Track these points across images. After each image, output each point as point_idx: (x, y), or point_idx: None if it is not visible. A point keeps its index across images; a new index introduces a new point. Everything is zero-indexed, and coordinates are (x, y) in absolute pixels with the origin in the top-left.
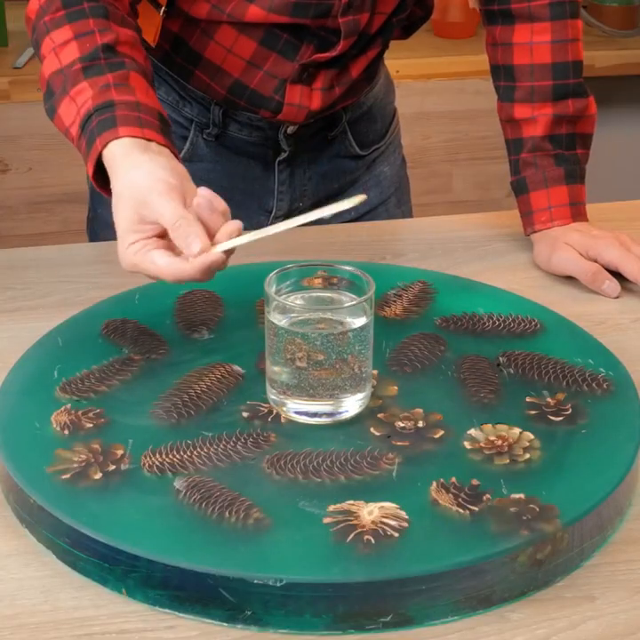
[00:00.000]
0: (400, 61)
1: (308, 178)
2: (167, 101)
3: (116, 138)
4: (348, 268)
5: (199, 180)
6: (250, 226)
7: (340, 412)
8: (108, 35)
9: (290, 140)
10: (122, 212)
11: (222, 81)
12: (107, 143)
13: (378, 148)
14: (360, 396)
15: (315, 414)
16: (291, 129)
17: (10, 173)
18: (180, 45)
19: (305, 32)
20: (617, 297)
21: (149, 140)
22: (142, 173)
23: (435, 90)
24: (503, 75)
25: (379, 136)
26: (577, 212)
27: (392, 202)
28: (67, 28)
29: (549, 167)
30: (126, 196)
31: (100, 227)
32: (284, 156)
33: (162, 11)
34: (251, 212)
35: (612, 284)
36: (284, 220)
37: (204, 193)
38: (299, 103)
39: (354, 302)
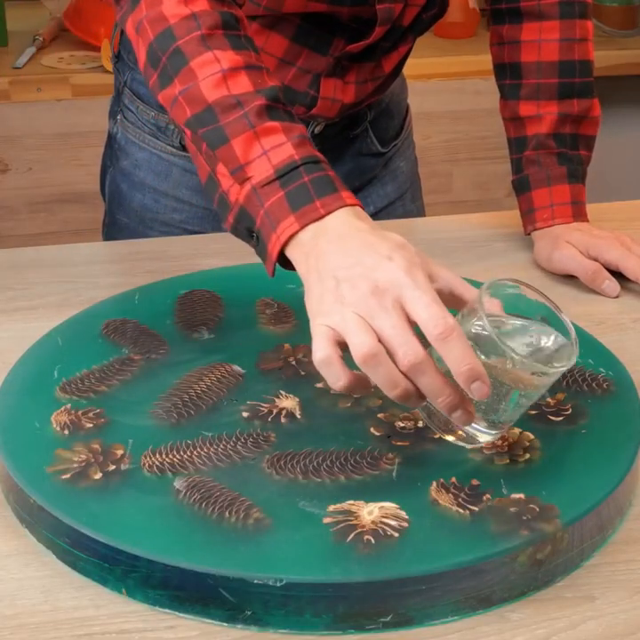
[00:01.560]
0: None
1: None
2: None
3: (344, 205)
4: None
5: None
6: None
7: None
8: (273, 77)
9: (315, 140)
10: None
11: None
12: (335, 209)
13: (396, 145)
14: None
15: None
16: (317, 129)
17: (10, 173)
18: None
19: (336, 25)
20: (617, 297)
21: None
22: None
23: (435, 90)
24: (509, 72)
25: (396, 132)
26: (578, 212)
27: (408, 197)
28: (231, 53)
29: (552, 165)
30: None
31: (118, 232)
32: None
33: None
34: None
35: (611, 284)
36: None
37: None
38: (333, 97)
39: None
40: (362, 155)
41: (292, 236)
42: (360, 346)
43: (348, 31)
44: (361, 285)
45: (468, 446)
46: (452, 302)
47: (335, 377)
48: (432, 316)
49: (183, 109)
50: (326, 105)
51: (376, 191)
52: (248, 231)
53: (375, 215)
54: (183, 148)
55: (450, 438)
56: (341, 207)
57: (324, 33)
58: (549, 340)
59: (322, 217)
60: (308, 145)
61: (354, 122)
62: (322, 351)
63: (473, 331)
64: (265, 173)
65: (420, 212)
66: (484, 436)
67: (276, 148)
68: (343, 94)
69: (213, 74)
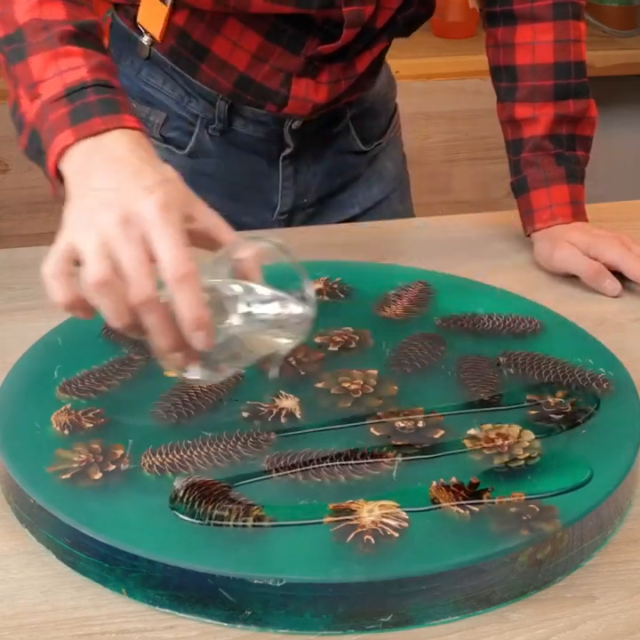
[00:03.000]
0: (400, 61)
1: (313, 174)
2: (172, 97)
3: (122, 127)
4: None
5: (204, 176)
6: (254, 222)
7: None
8: (93, 14)
9: (294, 136)
10: (174, 192)
11: (228, 75)
12: (114, 128)
13: (380, 144)
14: None
15: None
16: (295, 124)
17: (10, 173)
18: (186, 39)
19: (310, 25)
20: (617, 296)
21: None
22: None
23: (435, 90)
24: (505, 75)
25: (381, 131)
26: (577, 211)
27: (395, 197)
28: None
29: (550, 166)
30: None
31: None
32: (288, 151)
33: (169, 3)
34: (255, 208)
35: (613, 283)
36: (288, 215)
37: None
38: (304, 97)
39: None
40: (343, 152)
41: (65, 149)
42: (92, 272)
43: (320, 32)
44: (112, 212)
45: (186, 378)
46: (209, 245)
47: (55, 293)
48: (172, 258)
49: None
50: (298, 104)
51: (362, 192)
52: (38, 152)
53: (361, 216)
54: (164, 139)
55: (166, 367)
56: (120, 128)
57: (298, 32)
58: (286, 311)
59: (98, 133)
60: (105, 72)
61: (333, 119)
62: (51, 266)
63: (211, 280)
64: (55, 90)
65: (408, 212)
66: (198, 376)
67: (72, 69)
68: (315, 94)
69: (29, 1)
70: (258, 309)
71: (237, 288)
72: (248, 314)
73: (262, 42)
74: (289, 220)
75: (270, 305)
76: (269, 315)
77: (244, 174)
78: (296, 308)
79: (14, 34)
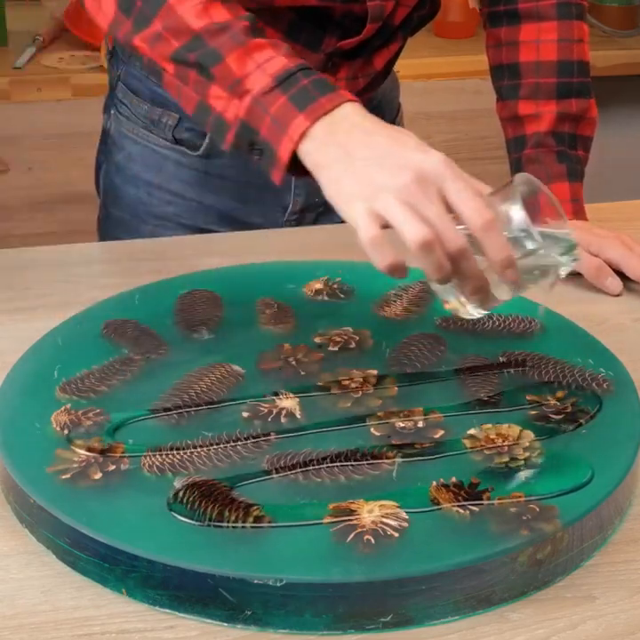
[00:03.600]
0: (400, 61)
1: None
2: None
3: (348, 100)
4: None
5: (216, 177)
6: (265, 222)
7: None
8: (243, 9)
9: None
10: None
11: None
12: (340, 103)
13: None
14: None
15: None
16: None
17: (10, 173)
18: None
19: (328, 21)
20: (618, 295)
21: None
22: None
23: (435, 90)
24: (507, 73)
25: None
26: (578, 209)
27: None
28: None
29: (552, 163)
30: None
31: (112, 226)
32: None
33: None
34: (267, 208)
35: (614, 281)
36: (298, 215)
37: None
38: None
39: None
40: None
41: (304, 134)
42: (417, 233)
43: (339, 28)
44: (403, 175)
45: (464, 314)
46: None
47: (383, 256)
48: (476, 208)
49: (168, 43)
50: None
51: None
52: (250, 145)
53: None
54: (176, 141)
55: (455, 308)
56: (346, 102)
57: (316, 29)
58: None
59: (329, 111)
60: (296, 56)
61: None
62: (370, 231)
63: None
64: (264, 82)
65: None
66: (481, 311)
67: (269, 60)
68: None
69: (193, 6)
70: (529, 241)
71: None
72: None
73: (281, 40)
74: (299, 220)
75: (536, 237)
76: (538, 241)
77: (257, 174)
78: (557, 232)
79: (192, 41)
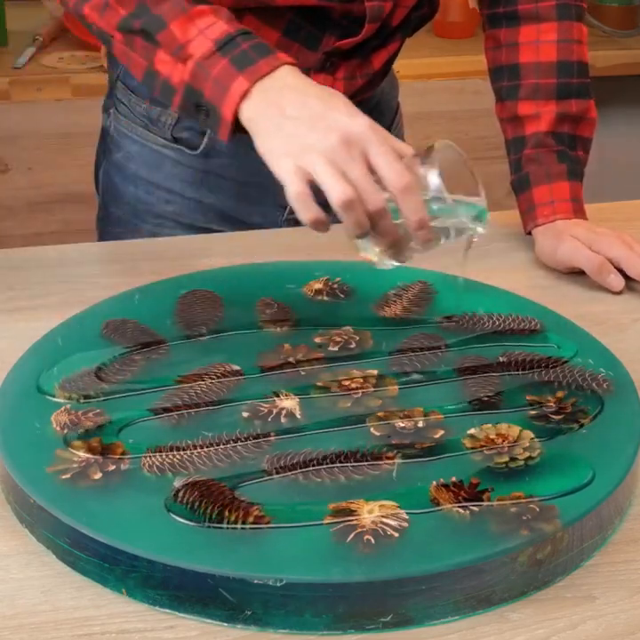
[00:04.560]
0: (400, 61)
1: None
2: None
3: (285, 63)
4: None
5: (215, 176)
6: (264, 222)
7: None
8: None
9: None
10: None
11: None
12: (278, 66)
13: None
14: None
15: None
16: None
17: (10, 173)
18: None
19: (327, 21)
20: (620, 292)
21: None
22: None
23: (435, 90)
24: (507, 74)
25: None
26: (578, 209)
27: None
28: None
29: (552, 163)
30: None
31: (111, 225)
32: None
33: None
34: (265, 208)
35: (616, 278)
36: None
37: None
38: None
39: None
40: None
41: (244, 94)
42: (340, 192)
43: (338, 28)
44: (330, 136)
45: (380, 265)
46: None
47: (307, 210)
48: (396, 171)
49: (115, 11)
50: None
51: None
52: (196, 106)
53: None
54: (175, 140)
55: (371, 259)
56: (283, 64)
57: (315, 29)
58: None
59: (267, 73)
60: (236, 21)
61: None
62: (297, 186)
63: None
64: (205, 47)
65: None
66: (396, 263)
67: (211, 26)
68: None
69: None
70: (442, 204)
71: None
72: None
73: (279, 38)
74: (298, 220)
75: (449, 201)
76: (451, 205)
77: (255, 174)
78: (470, 199)
79: (137, 9)
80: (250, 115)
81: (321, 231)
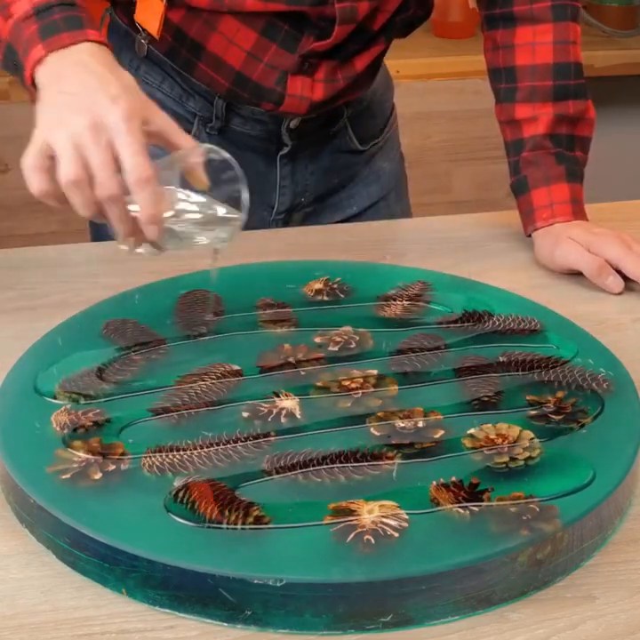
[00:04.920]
0: (400, 61)
1: (310, 173)
2: (170, 95)
3: (87, 40)
4: None
5: None
6: (252, 221)
7: None
8: None
9: (292, 135)
10: (130, 95)
11: (225, 73)
12: (80, 41)
13: (376, 144)
14: None
15: None
16: (293, 123)
17: (10, 173)
18: (183, 37)
19: (305, 22)
20: (619, 293)
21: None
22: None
23: (435, 90)
24: (504, 77)
25: (377, 131)
26: (577, 210)
27: (392, 197)
28: None
29: (551, 165)
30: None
31: (104, 225)
32: (286, 150)
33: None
34: (253, 208)
35: (616, 280)
36: (286, 215)
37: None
38: (300, 94)
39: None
40: (341, 152)
41: (39, 61)
42: (67, 171)
43: (316, 29)
44: (83, 118)
45: (131, 253)
46: (164, 143)
47: (33, 184)
48: (135, 163)
49: None
50: (294, 102)
51: (359, 191)
52: (14, 65)
53: (359, 215)
54: None
55: (122, 246)
56: (85, 41)
57: (293, 30)
58: (211, 212)
59: (66, 46)
60: None
61: (331, 119)
62: (31, 158)
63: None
64: (24, 10)
65: (405, 212)
66: (143, 251)
67: None
68: (311, 92)
69: None
70: (189, 208)
71: (178, 190)
72: (182, 211)
73: (257, 39)
74: (287, 220)
75: (200, 205)
76: (198, 213)
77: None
78: (221, 209)
79: None
80: (41, 82)
81: (55, 205)
